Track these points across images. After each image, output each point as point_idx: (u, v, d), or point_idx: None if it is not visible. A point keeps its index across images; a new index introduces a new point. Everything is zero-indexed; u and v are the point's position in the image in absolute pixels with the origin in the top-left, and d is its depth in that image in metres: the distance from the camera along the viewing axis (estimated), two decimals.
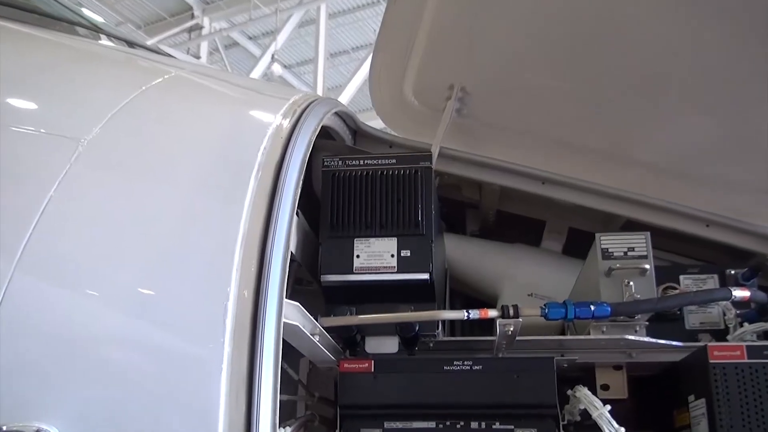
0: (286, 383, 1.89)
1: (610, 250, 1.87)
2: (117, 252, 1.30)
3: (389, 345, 1.84)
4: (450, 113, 2.36)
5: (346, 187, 1.85)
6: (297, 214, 1.53)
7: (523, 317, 1.71)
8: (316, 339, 1.64)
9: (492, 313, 1.72)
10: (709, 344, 1.66)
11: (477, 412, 1.68)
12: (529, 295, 2.26)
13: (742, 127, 2.16)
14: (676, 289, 1.99)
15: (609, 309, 1.73)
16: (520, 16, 2.27)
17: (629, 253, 1.86)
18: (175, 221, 1.36)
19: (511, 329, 1.72)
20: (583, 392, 1.69)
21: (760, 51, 2.03)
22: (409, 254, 1.78)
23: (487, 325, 1.82)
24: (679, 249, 2.27)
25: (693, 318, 2.01)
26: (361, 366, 1.72)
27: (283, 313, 1.28)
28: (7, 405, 1.17)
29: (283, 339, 1.28)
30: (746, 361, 1.60)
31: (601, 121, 2.34)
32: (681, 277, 2.04)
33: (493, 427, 1.66)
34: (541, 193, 2.25)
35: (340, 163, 1.88)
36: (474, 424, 1.67)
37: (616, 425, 1.59)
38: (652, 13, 2.13)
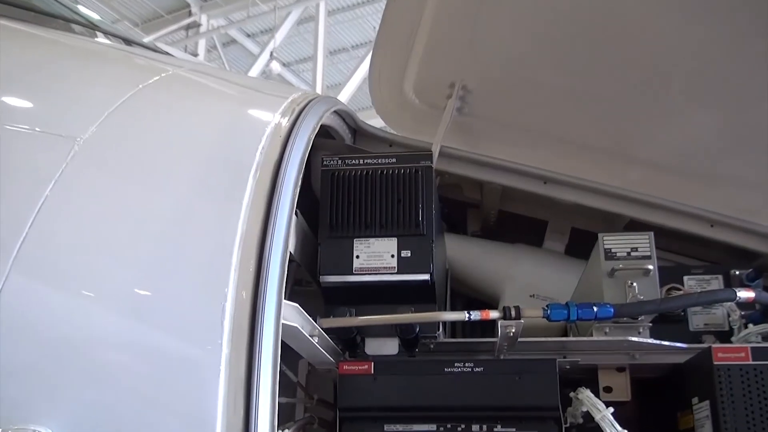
0: (285, 385, 1.87)
1: (613, 251, 1.86)
2: (113, 252, 1.30)
3: (389, 346, 1.83)
4: (451, 111, 2.35)
5: (345, 187, 1.83)
6: (296, 214, 1.53)
7: (524, 318, 1.70)
8: (315, 340, 1.63)
9: (493, 314, 1.70)
10: (714, 346, 1.65)
11: (478, 415, 1.67)
12: (531, 296, 2.25)
13: (747, 124, 2.16)
14: (680, 290, 1.98)
15: (612, 310, 1.72)
16: (522, 12, 2.27)
17: (632, 254, 1.85)
18: (172, 221, 1.35)
19: (513, 331, 1.71)
20: (585, 394, 1.68)
21: (765, 48, 2.02)
22: (409, 255, 1.77)
23: (489, 327, 1.81)
24: (683, 249, 2.26)
25: (697, 319, 2.00)
26: (360, 368, 1.72)
27: (282, 314, 1.27)
28: (1, 407, 1.16)
29: (282, 340, 1.27)
30: (751, 362, 1.59)
31: (604, 119, 2.34)
32: (685, 278, 2.04)
33: (495, 429, 1.66)
34: (543, 192, 2.24)
35: (339, 162, 1.87)
36: (475, 427, 1.66)
37: (619, 428, 1.58)
38: (655, 9, 2.14)
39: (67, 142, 1.38)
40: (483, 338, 1.91)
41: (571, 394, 1.73)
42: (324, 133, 2.02)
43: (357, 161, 1.86)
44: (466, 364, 1.70)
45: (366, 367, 1.71)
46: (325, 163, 1.87)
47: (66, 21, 2.39)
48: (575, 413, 1.72)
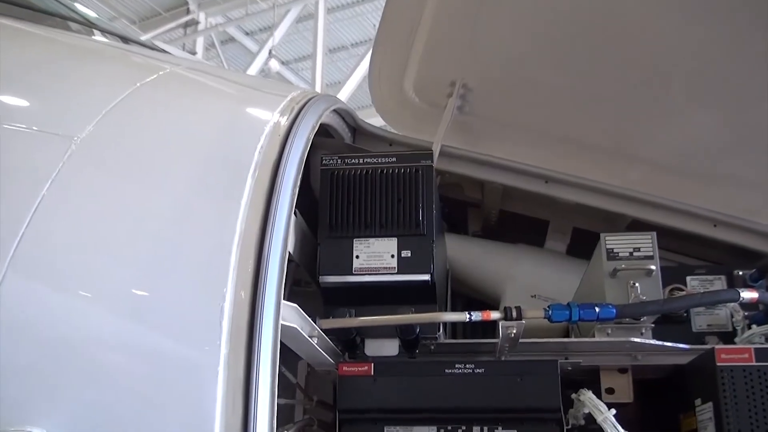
0: (284, 387, 1.88)
1: (615, 251, 1.85)
2: (111, 252, 1.29)
3: (389, 347, 1.82)
4: (452, 110, 2.35)
5: (345, 186, 1.82)
6: (295, 213, 1.53)
7: (526, 319, 1.69)
8: (314, 341, 1.62)
9: (494, 315, 1.70)
10: (717, 347, 1.64)
11: (479, 417, 1.66)
12: (532, 296, 2.25)
13: (747, 124, 2.17)
14: (682, 290, 1.98)
15: (614, 311, 1.71)
16: (523, 11, 2.27)
17: (635, 254, 1.84)
18: (170, 221, 1.35)
19: (514, 331, 1.70)
20: (587, 396, 1.67)
21: (766, 47, 2.01)
22: (409, 255, 1.76)
23: (490, 328, 1.81)
24: (686, 249, 2.25)
25: (700, 320, 1.99)
26: (360, 369, 1.71)
27: (281, 315, 1.27)
28: None
29: (281, 341, 1.26)
30: (754, 364, 1.58)
31: (606, 118, 2.34)
32: (688, 278, 2.03)
33: (496, 431, 1.65)
34: (545, 192, 2.23)
35: (339, 161, 1.86)
36: (476, 429, 1.66)
37: (621, 430, 1.58)
38: (656, 9, 2.13)
39: (64, 141, 1.38)
40: (484, 339, 1.90)
41: (573, 396, 1.72)
42: (323, 132, 2.01)
43: (357, 160, 1.86)
44: (467, 366, 1.69)
45: (366, 368, 1.71)
46: (324, 162, 1.86)
47: (63, 19, 2.39)
48: (577, 415, 1.72)
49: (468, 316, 1.70)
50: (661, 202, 2.15)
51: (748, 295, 1.71)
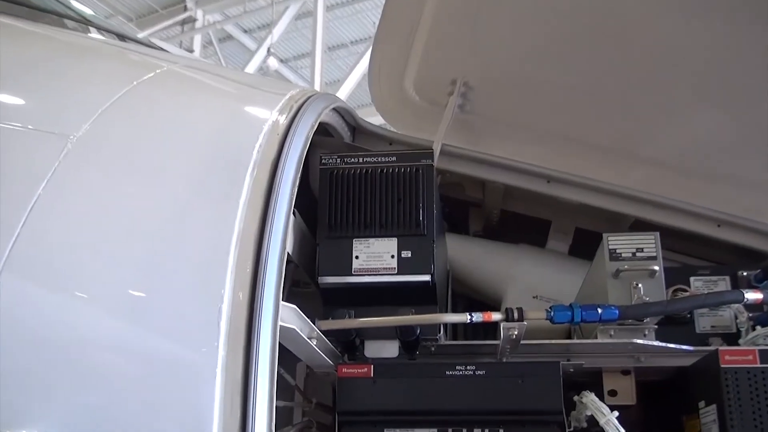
0: (283, 389, 1.87)
1: (617, 251, 1.84)
2: (107, 252, 1.29)
3: (389, 349, 1.81)
4: (452, 109, 2.36)
5: (344, 186, 1.82)
6: (294, 213, 1.53)
7: (527, 320, 1.68)
8: (313, 343, 1.61)
9: (496, 316, 1.69)
10: (721, 348, 1.63)
11: (480, 419, 1.65)
12: (534, 297, 2.25)
13: (753, 123, 2.17)
14: (686, 291, 1.96)
15: (617, 312, 1.70)
16: (525, 8, 2.27)
17: (638, 254, 1.83)
18: (167, 221, 1.35)
19: (516, 333, 1.69)
20: (589, 398, 1.67)
21: None
22: (409, 255, 1.75)
23: (491, 329, 1.80)
24: (690, 250, 2.25)
25: (704, 321, 1.98)
26: (360, 371, 1.70)
27: (280, 316, 1.27)
28: None
29: (280, 343, 1.26)
30: (759, 365, 1.57)
31: (608, 117, 2.34)
32: (691, 279, 2.01)
33: None
34: (547, 191, 2.23)
35: (338, 160, 1.85)
36: (477, 431, 1.64)
37: None
38: (658, 8, 2.13)
39: (59, 139, 1.38)
40: (485, 341, 1.89)
41: (575, 398, 1.71)
42: (322, 130, 2.00)
43: (356, 159, 1.85)
44: (468, 367, 1.68)
45: (365, 370, 1.70)
46: (323, 161, 1.86)
47: (59, 16, 2.39)
48: (579, 417, 1.71)
49: (469, 317, 1.70)
50: (664, 202, 2.14)
51: (753, 296, 1.71)
